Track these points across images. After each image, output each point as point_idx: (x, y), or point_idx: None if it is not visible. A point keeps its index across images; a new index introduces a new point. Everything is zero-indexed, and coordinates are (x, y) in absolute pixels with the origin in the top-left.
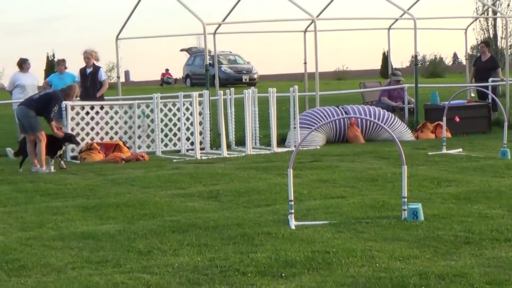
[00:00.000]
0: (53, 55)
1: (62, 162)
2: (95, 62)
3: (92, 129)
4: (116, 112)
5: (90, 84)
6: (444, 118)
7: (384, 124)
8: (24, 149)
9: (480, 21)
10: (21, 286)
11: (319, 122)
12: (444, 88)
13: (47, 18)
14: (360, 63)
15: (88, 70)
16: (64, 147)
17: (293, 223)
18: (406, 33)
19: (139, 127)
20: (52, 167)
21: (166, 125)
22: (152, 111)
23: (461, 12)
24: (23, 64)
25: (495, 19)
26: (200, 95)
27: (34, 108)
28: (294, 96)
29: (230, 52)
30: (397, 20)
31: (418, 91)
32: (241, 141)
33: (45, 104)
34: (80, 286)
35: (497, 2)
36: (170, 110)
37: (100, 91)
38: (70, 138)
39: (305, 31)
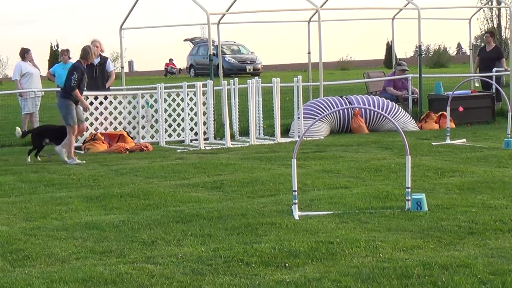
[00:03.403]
0: (57, 45)
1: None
2: (101, 53)
3: (96, 119)
4: (120, 102)
5: (99, 74)
6: (448, 108)
7: (388, 114)
8: (38, 141)
9: (484, 11)
10: (25, 276)
11: (323, 112)
12: (448, 78)
13: (51, 8)
14: (364, 53)
15: (96, 61)
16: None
17: (296, 214)
18: (410, 23)
19: (143, 117)
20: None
21: (170, 115)
22: (156, 101)
23: (465, 2)
24: (25, 54)
25: (499, 9)
26: (204, 85)
27: (63, 93)
28: (298, 86)
29: (234, 42)
30: (401, 10)
31: (422, 81)
32: (245, 131)
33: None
34: (84, 276)
35: None
36: (174, 100)
37: (109, 82)
38: None
39: (309, 21)
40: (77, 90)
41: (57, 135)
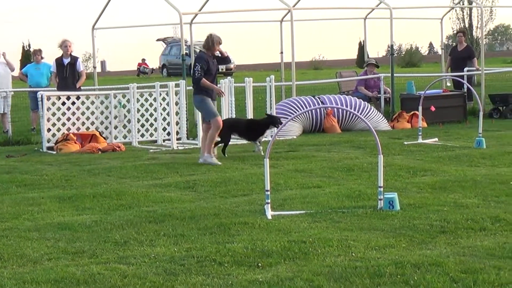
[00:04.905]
0: (29, 45)
1: (260, 148)
2: (71, 53)
3: (68, 119)
4: (93, 103)
5: (69, 74)
6: (420, 108)
7: (360, 114)
8: (226, 134)
9: (456, 10)
10: None
11: (295, 112)
12: (420, 78)
13: (22, 8)
14: (337, 53)
15: (66, 61)
16: (266, 132)
17: (269, 213)
18: (382, 23)
19: (115, 117)
20: (261, 152)
21: (142, 115)
22: (128, 101)
23: (437, 1)
24: None
25: (470, 9)
26: (177, 85)
27: (194, 89)
28: (270, 86)
29: None
30: (373, 9)
31: (394, 81)
32: None
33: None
34: (57, 277)
35: None
36: (146, 100)
37: (79, 82)
38: (273, 121)
39: (282, 21)
40: (204, 80)
41: (245, 129)
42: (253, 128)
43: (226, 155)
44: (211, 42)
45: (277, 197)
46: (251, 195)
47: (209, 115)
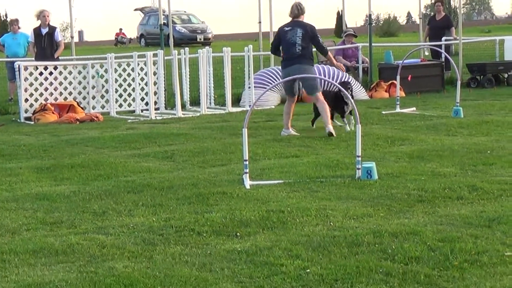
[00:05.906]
0: (6, 15)
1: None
2: (49, 23)
3: (46, 89)
4: (70, 73)
5: (48, 44)
6: (398, 77)
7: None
8: (316, 108)
9: None
10: None
11: (273, 82)
12: (398, 47)
13: None
14: (315, 22)
15: (44, 31)
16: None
17: (248, 183)
18: None
19: (93, 87)
20: (347, 126)
21: (120, 85)
22: (106, 71)
23: None
24: None
25: None
26: (155, 55)
27: (305, 60)
28: (248, 55)
29: (185, 11)
30: None
31: (372, 51)
32: (195, 101)
33: (311, 42)
34: (35, 247)
35: None
36: (124, 70)
37: (57, 52)
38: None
39: None
40: (330, 54)
41: (332, 102)
42: (335, 100)
43: (314, 126)
44: (302, 9)
45: (255, 166)
46: (229, 165)
47: (318, 89)
